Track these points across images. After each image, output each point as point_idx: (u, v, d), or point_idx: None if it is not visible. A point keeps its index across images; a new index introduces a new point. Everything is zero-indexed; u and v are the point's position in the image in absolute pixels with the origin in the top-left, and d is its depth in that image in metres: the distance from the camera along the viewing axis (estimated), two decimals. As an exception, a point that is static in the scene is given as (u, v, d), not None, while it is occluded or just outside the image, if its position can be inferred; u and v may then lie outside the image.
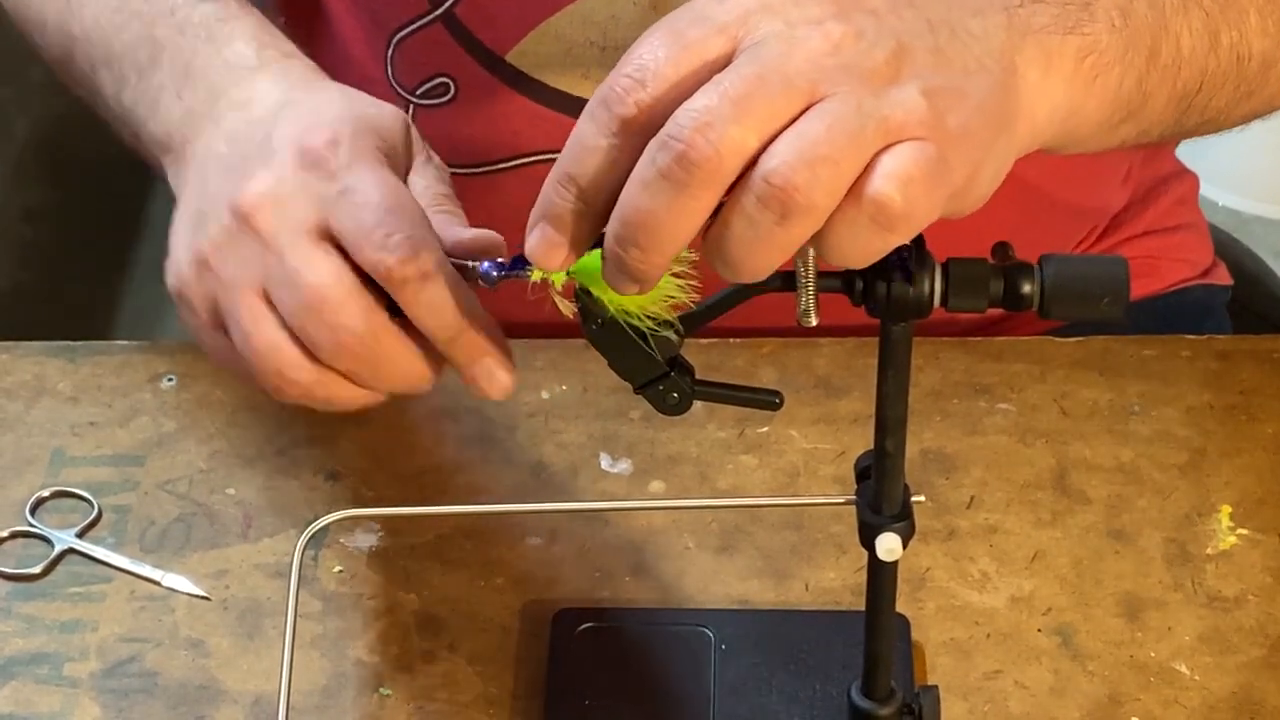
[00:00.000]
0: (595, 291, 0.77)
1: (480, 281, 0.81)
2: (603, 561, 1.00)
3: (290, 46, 0.98)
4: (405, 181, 0.90)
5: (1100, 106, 0.81)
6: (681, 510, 1.03)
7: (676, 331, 0.78)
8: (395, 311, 0.85)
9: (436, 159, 0.95)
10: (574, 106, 1.10)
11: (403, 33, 1.12)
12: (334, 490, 1.04)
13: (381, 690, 0.95)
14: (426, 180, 0.93)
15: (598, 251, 0.77)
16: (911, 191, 0.71)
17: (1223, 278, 1.30)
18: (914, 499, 0.83)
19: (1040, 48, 0.78)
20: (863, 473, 0.83)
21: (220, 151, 0.92)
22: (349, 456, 1.06)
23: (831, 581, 0.99)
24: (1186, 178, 1.29)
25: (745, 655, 0.94)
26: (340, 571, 1.00)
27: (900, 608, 0.90)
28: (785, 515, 1.02)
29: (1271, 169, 2.49)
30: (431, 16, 1.11)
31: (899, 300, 0.75)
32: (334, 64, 1.18)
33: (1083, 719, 0.93)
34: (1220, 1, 0.88)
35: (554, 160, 1.10)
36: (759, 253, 0.72)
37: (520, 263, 0.79)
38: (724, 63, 0.73)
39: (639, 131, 0.73)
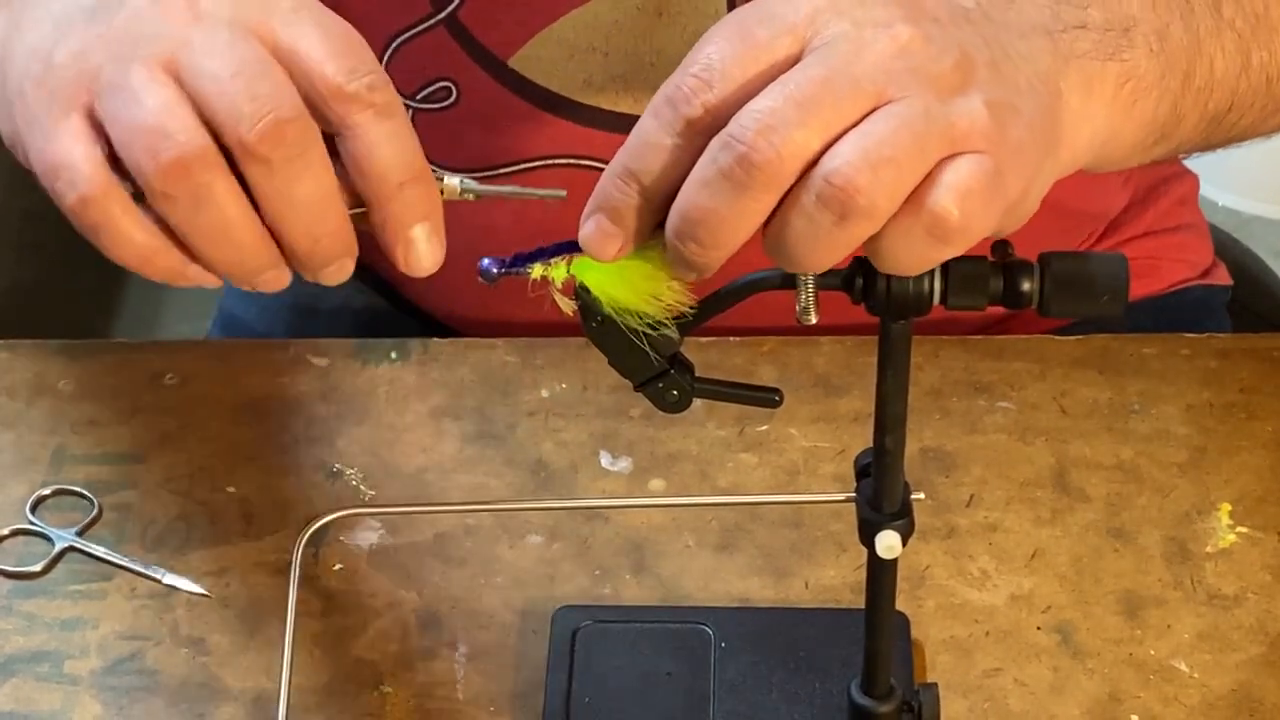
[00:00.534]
0: (595, 289, 0.77)
1: (480, 278, 0.81)
2: (603, 559, 1.01)
3: None
4: None
5: (1136, 130, 0.82)
6: (681, 508, 1.03)
7: (677, 329, 0.78)
8: None
9: None
10: (576, 112, 1.10)
11: (403, 37, 1.12)
12: (334, 488, 1.04)
13: (382, 688, 0.95)
14: None
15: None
16: (970, 205, 0.71)
17: (1223, 278, 1.30)
18: (914, 497, 0.83)
19: (1082, 74, 0.78)
20: (862, 470, 0.84)
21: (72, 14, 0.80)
22: (349, 454, 1.06)
23: (831, 579, 0.99)
24: (1187, 178, 1.29)
25: (745, 653, 0.94)
26: (341, 569, 1.00)
27: (900, 605, 0.90)
28: (785, 513, 1.02)
29: (1271, 169, 2.49)
30: (434, 20, 1.10)
31: (899, 298, 0.75)
32: None
33: (1082, 717, 0.93)
34: (1251, 22, 0.88)
35: (555, 165, 1.12)
36: (818, 250, 0.72)
37: (520, 260, 0.79)
38: (791, 63, 0.73)
39: (703, 131, 0.73)
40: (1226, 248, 1.37)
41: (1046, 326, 1.16)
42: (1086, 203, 1.21)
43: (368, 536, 1.02)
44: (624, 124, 1.09)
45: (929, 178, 0.71)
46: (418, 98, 1.13)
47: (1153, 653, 0.96)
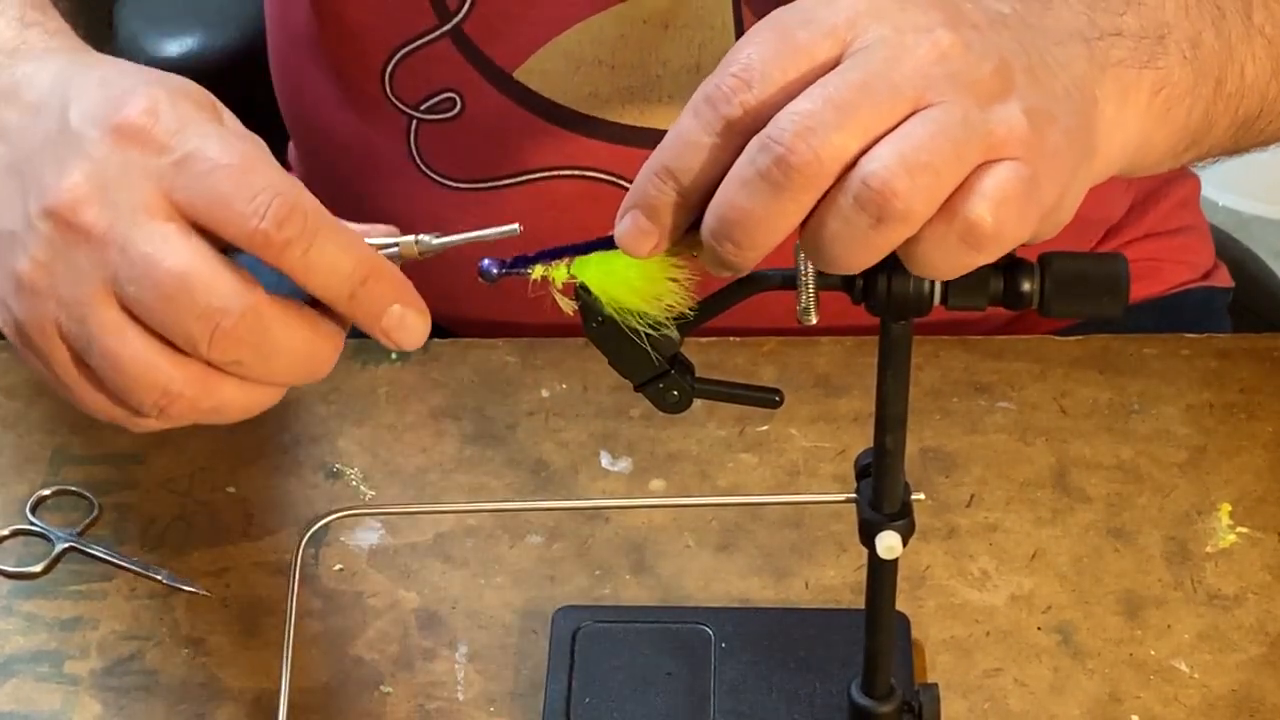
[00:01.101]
0: (596, 289, 0.77)
1: (480, 278, 0.81)
2: (603, 560, 1.01)
3: (60, 24, 0.88)
4: None
5: (1169, 137, 0.82)
6: (682, 508, 1.03)
7: (677, 329, 0.78)
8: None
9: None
10: (581, 124, 1.10)
11: (408, 48, 1.11)
12: (334, 488, 1.04)
13: (382, 688, 0.95)
14: None
15: (599, 252, 0.77)
16: (1005, 213, 0.71)
17: (1224, 279, 1.30)
18: (914, 497, 0.83)
19: (1118, 82, 0.78)
20: (863, 471, 0.84)
21: None
22: (349, 454, 1.06)
23: (831, 579, 0.99)
24: (1188, 180, 1.29)
25: (745, 653, 0.94)
26: (341, 569, 1.00)
27: (900, 606, 0.90)
28: (785, 513, 1.02)
29: (1272, 169, 2.48)
30: (439, 32, 1.10)
31: (899, 298, 0.75)
32: (316, 81, 1.18)
33: (1082, 717, 0.93)
34: None
35: (560, 177, 1.12)
36: (854, 252, 0.72)
37: (520, 261, 0.79)
38: (831, 66, 0.73)
39: (743, 131, 0.73)
40: (1226, 248, 1.37)
41: (1049, 328, 1.16)
42: (1089, 209, 1.20)
43: (368, 536, 1.02)
44: (629, 136, 1.09)
45: (965, 184, 0.71)
46: (422, 108, 1.13)
47: (1153, 653, 0.96)
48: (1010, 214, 0.71)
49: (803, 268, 0.76)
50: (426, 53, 1.11)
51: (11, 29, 0.86)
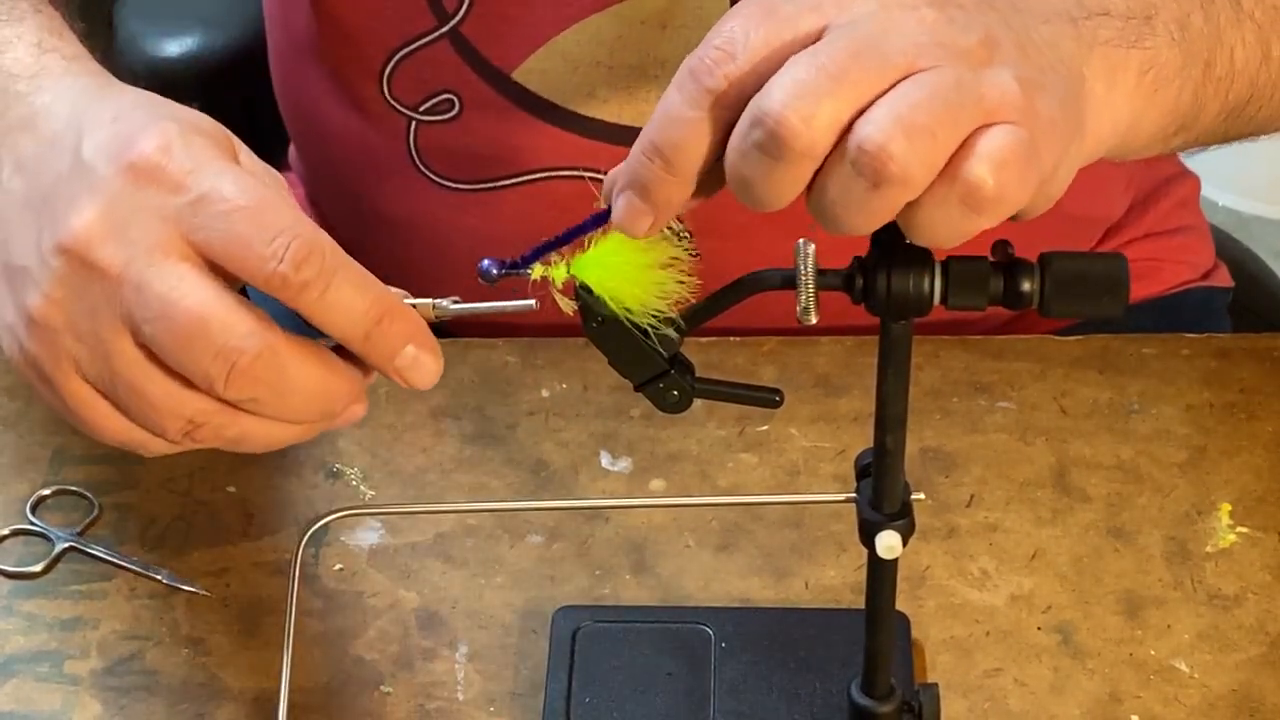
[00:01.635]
0: (596, 289, 0.77)
1: (480, 279, 0.81)
2: (603, 559, 1.01)
3: (77, 48, 0.88)
4: None
5: (1158, 118, 0.82)
6: (682, 508, 1.03)
7: (677, 329, 0.78)
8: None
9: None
10: (580, 125, 1.10)
11: (406, 50, 1.11)
12: (334, 488, 1.04)
13: (382, 688, 0.95)
14: None
15: (598, 250, 0.77)
16: (1005, 175, 0.71)
17: (1224, 279, 1.30)
18: (914, 497, 0.83)
19: (1105, 61, 0.78)
20: (863, 470, 0.84)
21: (14, 188, 0.81)
22: (350, 454, 1.06)
23: (831, 579, 0.99)
24: (1188, 180, 1.29)
25: (745, 653, 0.94)
26: (341, 569, 1.00)
27: (900, 606, 0.90)
28: (785, 513, 1.02)
29: (1271, 169, 2.49)
30: (438, 34, 1.10)
31: (899, 298, 0.75)
32: (316, 82, 1.18)
33: (1082, 717, 0.93)
34: (1271, 14, 0.88)
35: (558, 177, 1.12)
36: (855, 216, 0.72)
37: (520, 262, 0.79)
38: (814, 40, 0.73)
39: (727, 104, 0.72)
40: (1226, 248, 1.37)
41: (1049, 329, 1.16)
42: (1089, 208, 1.21)
43: (368, 536, 1.02)
44: (627, 136, 1.09)
45: (964, 147, 0.71)
46: (420, 110, 1.13)
47: (1153, 653, 0.96)
48: (1011, 176, 0.71)
49: (802, 267, 0.76)
50: (425, 54, 1.11)
51: (30, 54, 0.86)
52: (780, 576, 1.00)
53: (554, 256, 0.78)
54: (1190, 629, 0.97)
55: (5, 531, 1.02)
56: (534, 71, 1.09)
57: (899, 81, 0.71)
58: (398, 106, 1.13)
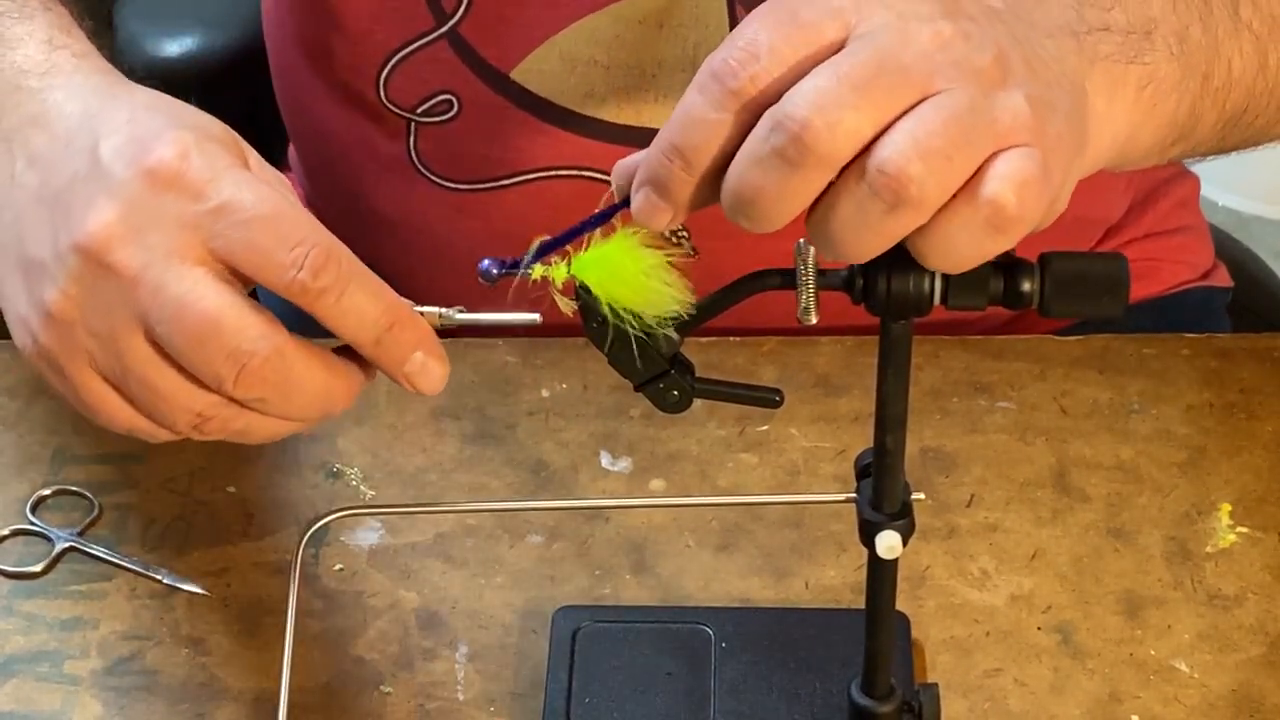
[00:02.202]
0: (596, 289, 0.77)
1: (480, 279, 0.81)
2: (603, 559, 1.01)
3: (86, 45, 0.89)
4: None
5: (1156, 131, 0.82)
6: (682, 508, 1.03)
7: (677, 329, 0.78)
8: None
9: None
10: (578, 124, 1.10)
11: (404, 50, 1.11)
12: (335, 488, 1.04)
13: (382, 688, 0.95)
14: None
15: (598, 251, 0.77)
16: (1026, 195, 0.72)
17: (1223, 280, 1.30)
18: (914, 497, 0.83)
19: (1106, 76, 0.79)
20: (863, 470, 0.84)
21: (27, 182, 0.82)
22: (350, 454, 1.06)
23: (832, 579, 0.99)
24: (1187, 180, 1.29)
25: (745, 653, 0.94)
26: (341, 569, 1.00)
27: (900, 606, 0.90)
28: (785, 513, 1.02)
29: (1271, 170, 2.48)
30: (436, 34, 1.10)
31: (899, 298, 0.75)
32: (314, 83, 1.18)
33: (1082, 717, 0.93)
34: (1268, 23, 0.89)
35: (557, 177, 1.12)
36: (863, 239, 0.72)
37: (520, 262, 0.79)
38: (835, 48, 0.73)
39: (749, 107, 0.73)
40: (1226, 248, 1.37)
41: (1050, 329, 1.16)
42: (1089, 208, 1.21)
43: (368, 536, 1.02)
44: (626, 135, 1.09)
45: (981, 170, 0.72)
46: (419, 111, 1.13)
47: (1153, 653, 0.96)
48: (1031, 195, 0.72)
49: (803, 267, 0.76)
50: (423, 55, 1.11)
51: (40, 52, 0.87)
52: (780, 576, 1.00)
53: (554, 257, 0.78)
54: (1190, 629, 0.97)
55: (5, 531, 1.02)
56: (532, 71, 1.09)
57: (917, 102, 0.72)
58: (396, 107, 1.13)
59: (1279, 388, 1.08)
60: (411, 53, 1.11)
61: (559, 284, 0.78)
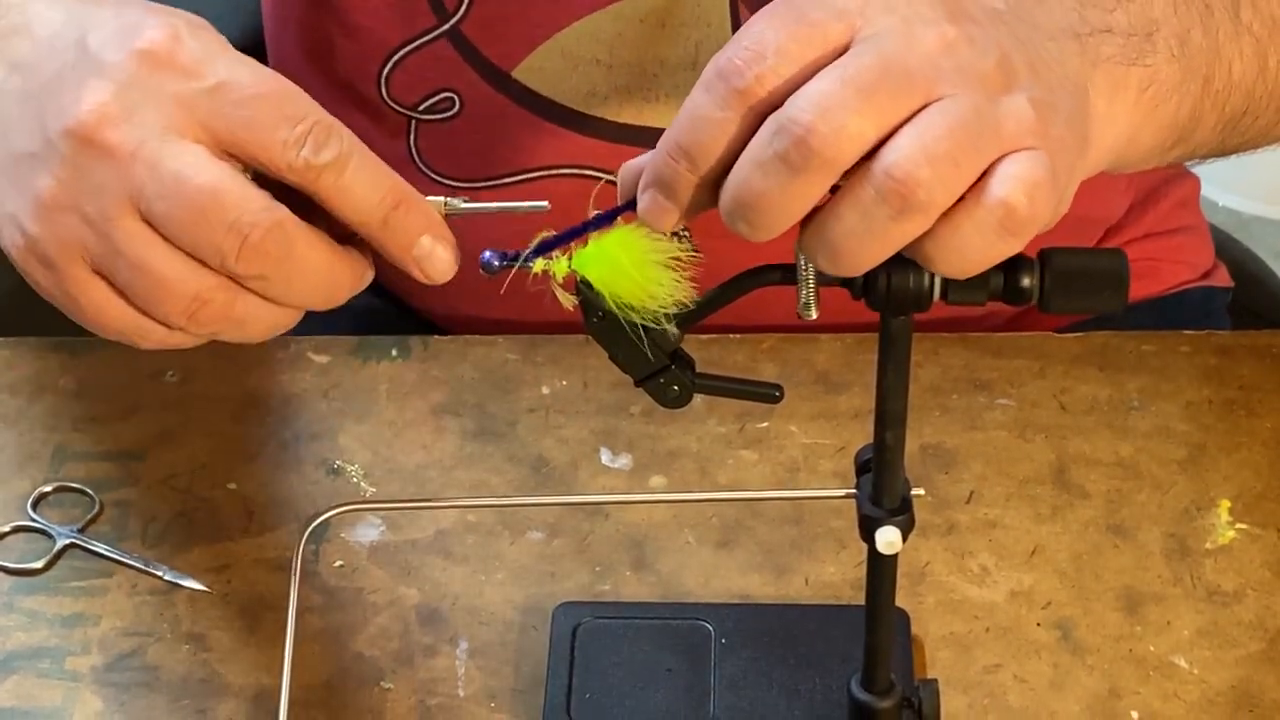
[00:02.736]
0: (597, 284, 0.77)
1: (481, 270, 0.81)
2: (603, 556, 1.01)
3: None
4: None
5: (1156, 133, 0.83)
6: (682, 504, 1.03)
7: (677, 324, 0.78)
8: None
9: None
10: (579, 123, 1.10)
11: (406, 48, 1.11)
12: (335, 484, 1.04)
13: (383, 684, 0.95)
14: None
15: (599, 245, 0.77)
16: (1037, 197, 0.72)
17: (1223, 279, 1.30)
18: (914, 493, 0.83)
19: (1108, 78, 0.79)
20: (863, 467, 0.84)
21: (11, 87, 0.81)
22: (350, 451, 1.06)
23: (831, 575, 1.00)
24: (1187, 180, 1.29)
25: (745, 649, 0.94)
26: (341, 565, 1.00)
27: (900, 602, 0.90)
28: (785, 509, 1.02)
29: (1271, 169, 2.48)
30: (437, 32, 1.10)
31: (899, 293, 0.76)
32: (315, 82, 1.18)
33: (1082, 713, 0.93)
34: (1269, 26, 0.89)
35: (558, 176, 1.12)
36: (868, 246, 0.72)
37: (522, 255, 0.79)
38: (841, 50, 0.73)
39: (755, 106, 0.73)
40: (1226, 248, 1.37)
41: (1050, 326, 1.16)
42: (1089, 208, 1.21)
43: (368, 533, 1.02)
44: (627, 134, 1.09)
45: (990, 172, 0.72)
46: (420, 109, 1.13)
47: (1152, 649, 0.96)
48: (1041, 197, 0.72)
49: (803, 262, 0.76)
50: (425, 53, 1.11)
51: None
52: (780, 573, 1.00)
53: (555, 252, 0.78)
54: (1190, 625, 0.97)
55: (6, 528, 1.02)
56: (534, 70, 1.10)
57: (921, 107, 0.72)
58: (397, 105, 1.13)
59: (1278, 384, 1.08)
60: (413, 51, 1.11)
61: (559, 279, 0.78)
